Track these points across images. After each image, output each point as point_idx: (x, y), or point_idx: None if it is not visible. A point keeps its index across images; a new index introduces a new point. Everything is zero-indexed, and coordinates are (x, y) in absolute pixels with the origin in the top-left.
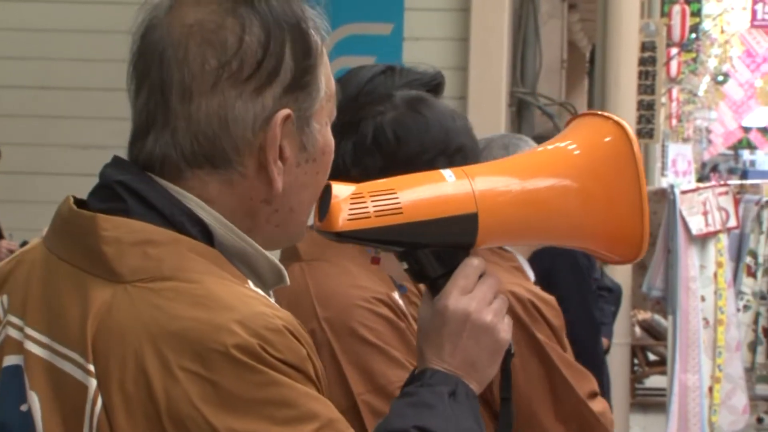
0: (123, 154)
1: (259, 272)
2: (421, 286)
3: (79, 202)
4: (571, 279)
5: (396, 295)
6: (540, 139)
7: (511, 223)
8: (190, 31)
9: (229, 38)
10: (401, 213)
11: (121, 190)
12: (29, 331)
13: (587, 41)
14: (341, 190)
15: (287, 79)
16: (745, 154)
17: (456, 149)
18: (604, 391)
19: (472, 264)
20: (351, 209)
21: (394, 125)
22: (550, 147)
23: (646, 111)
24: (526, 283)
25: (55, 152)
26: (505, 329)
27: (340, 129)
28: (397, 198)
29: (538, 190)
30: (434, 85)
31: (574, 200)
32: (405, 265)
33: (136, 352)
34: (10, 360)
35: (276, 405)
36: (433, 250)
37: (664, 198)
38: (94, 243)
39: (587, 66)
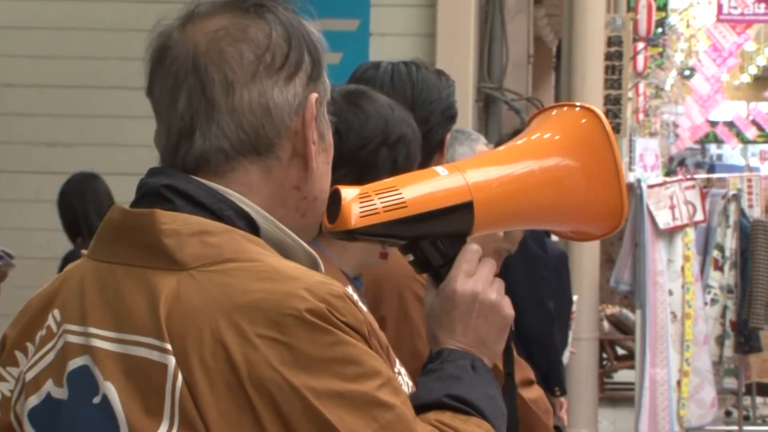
0: (87, 151)
1: (296, 261)
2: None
3: None
4: (522, 270)
5: (350, 289)
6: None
7: (503, 208)
8: (217, 35)
9: (259, 35)
10: (406, 207)
11: (167, 192)
12: (93, 330)
13: (554, 36)
14: (347, 192)
15: (309, 70)
16: (712, 148)
17: (397, 139)
18: (561, 380)
19: (472, 249)
20: (362, 208)
21: (332, 120)
22: (528, 138)
23: (613, 106)
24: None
25: (20, 150)
26: (508, 305)
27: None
28: (400, 193)
29: (525, 176)
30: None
31: (559, 182)
32: (410, 257)
33: (211, 327)
34: (76, 363)
35: (345, 363)
36: (433, 241)
37: (632, 192)
38: (155, 237)
39: (554, 61)
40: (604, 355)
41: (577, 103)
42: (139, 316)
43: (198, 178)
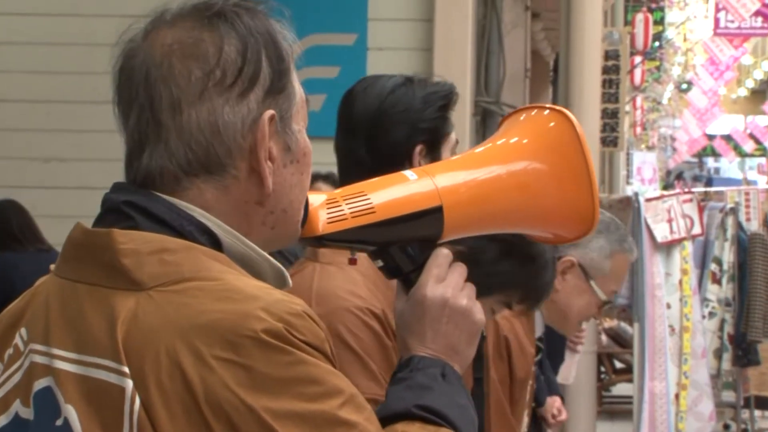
0: (82, 166)
1: (262, 276)
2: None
3: None
4: None
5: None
6: None
7: (473, 213)
8: (171, 49)
9: (210, 49)
10: (374, 212)
11: (128, 209)
12: (56, 351)
13: (551, 50)
14: (315, 198)
15: (266, 83)
16: (710, 162)
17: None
18: (539, 396)
19: (442, 254)
20: (329, 213)
21: None
22: (499, 141)
23: (610, 119)
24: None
25: (16, 165)
26: (479, 311)
27: (367, 134)
28: (368, 199)
29: (494, 180)
30: (450, 97)
31: (530, 185)
32: (380, 263)
33: (167, 349)
34: (40, 384)
35: (304, 383)
36: (403, 246)
37: (629, 206)
38: (112, 257)
39: (551, 75)
40: (602, 369)
41: (547, 105)
42: (98, 337)
43: (159, 194)
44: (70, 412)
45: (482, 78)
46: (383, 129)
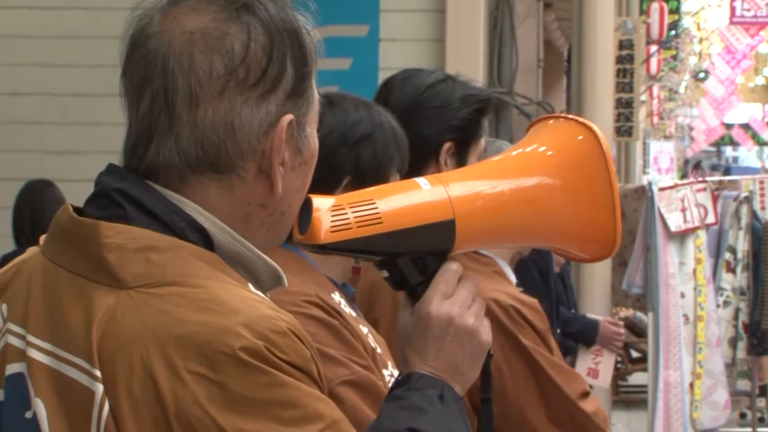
0: (97, 158)
1: (257, 275)
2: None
3: (76, 210)
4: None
5: (336, 295)
6: None
7: (487, 227)
8: (193, 38)
9: (236, 45)
10: (381, 222)
11: (119, 197)
12: (32, 339)
13: (564, 40)
14: (321, 202)
15: (289, 86)
16: (728, 151)
17: (358, 139)
18: (586, 335)
19: (451, 269)
20: (333, 221)
21: None
22: (521, 150)
23: (625, 109)
24: (508, 287)
25: (31, 158)
26: (486, 331)
27: (399, 123)
28: (376, 207)
29: (512, 194)
30: (488, 103)
31: (547, 201)
32: (385, 273)
33: (142, 357)
34: (13, 368)
35: (282, 405)
36: (411, 258)
37: (643, 195)
38: (97, 250)
39: (565, 65)
40: (619, 358)
41: (579, 119)
42: (74, 332)
43: (154, 185)
44: (39, 407)
45: (495, 68)
46: (416, 120)
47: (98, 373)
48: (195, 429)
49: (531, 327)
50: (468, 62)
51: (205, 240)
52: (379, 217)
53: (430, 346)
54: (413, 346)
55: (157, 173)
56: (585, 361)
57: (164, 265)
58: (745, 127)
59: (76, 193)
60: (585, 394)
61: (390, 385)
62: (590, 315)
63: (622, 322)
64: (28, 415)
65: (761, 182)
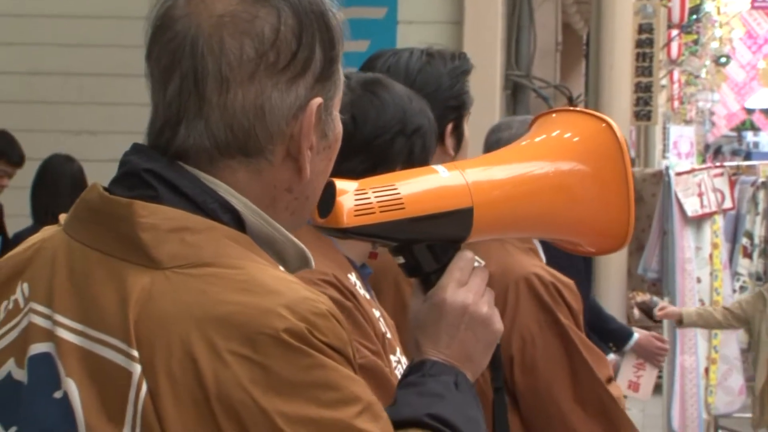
0: (113, 139)
1: (284, 257)
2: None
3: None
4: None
5: (352, 276)
6: None
7: (503, 217)
8: (222, 21)
9: (266, 29)
10: (403, 208)
11: (149, 177)
12: (59, 318)
13: (583, 24)
14: (344, 186)
15: (317, 69)
16: (749, 136)
17: (414, 130)
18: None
19: (466, 257)
20: (357, 205)
21: (350, 108)
22: (537, 140)
23: (644, 93)
24: (543, 265)
25: (48, 138)
26: (498, 320)
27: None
28: (398, 192)
29: (529, 183)
30: (470, 69)
31: (563, 194)
32: (401, 260)
33: (181, 338)
34: (38, 348)
35: (322, 388)
36: (427, 245)
37: (660, 180)
38: (131, 230)
39: (584, 48)
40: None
41: (587, 111)
42: (107, 312)
43: (184, 165)
44: (71, 387)
45: (513, 52)
46: None
47: (135, 353)
48: (237, 411)
49: (567, 306)
50: (486, 45)
51: (237, 221)
52: (402, 203)
53: (443, 333)
54: (426, 333)
55: (188, 156)
56: (627, 374)
57: (199, 246)
58: (766, 112)
59: (92, 173)
60: (610, 380)
61: (396, 371)
62: (635, 329)
63: (666, 338)
64: (58, 395)
65: None
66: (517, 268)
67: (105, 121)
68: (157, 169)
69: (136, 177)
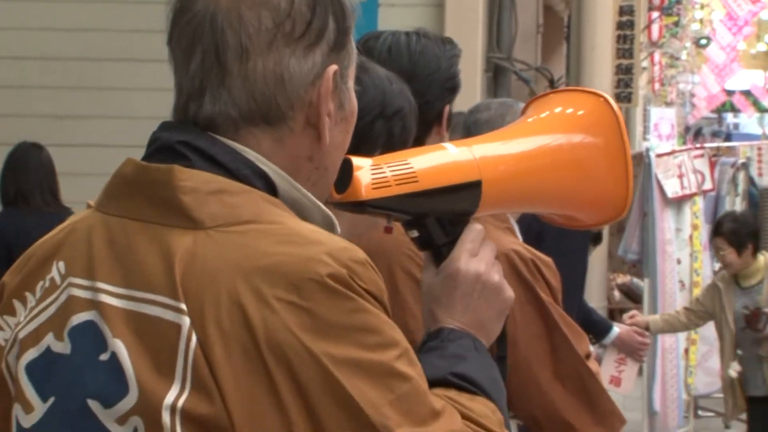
0: (99, 124)
1: (312, 222)
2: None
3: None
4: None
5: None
6: None
7: (510, 191)
8: None
9: (281, 1)
10: (417, 181)
11: (183, 148)
12: (101, 285)
13: (564, 6)
14: (360, 162)
15: (331, 38)
16: (729, 118)
17: (394, 112)
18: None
19: (476, 229)
20: (373, 178)
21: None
22: (540, 117)
23: (625, 75)
24: (522, 242)
25: (32, 123)
26: (509, 289)
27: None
28: (411, 166)
29: (533, 159)
30: (460, 53)
31: (566, 168)
32: (414, 233)
33: (228, 289)
34: (80, 317)
35: (365, 331)
36: (437, 218)
37: (640, 161)
38: (171, 194)
39: (565, 31)
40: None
41: (591, 90)
42: (151, 273)
43: (214, 135)
44: (119, 346)
45: (494, 34)
46: (421, 90)
47: (184, 306)
48: (287, 355)
49: (546, 283)
50: (467, 27)
51: (269, 187)
52: (415, 176)
53: (458, 302)
54: (441, 303)
55: (216, 126)
56: (608, 369)
57: (239, 206)
58: (747, 93)
59: (76, 157)
60: (588, 356)
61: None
62: (616, 324)
63: (647, 333)
64: (104, 357)
65: (759, 149)
66: (496, 245)
67: (88, 106)
68: (190, 139)
69: (170, 150)
